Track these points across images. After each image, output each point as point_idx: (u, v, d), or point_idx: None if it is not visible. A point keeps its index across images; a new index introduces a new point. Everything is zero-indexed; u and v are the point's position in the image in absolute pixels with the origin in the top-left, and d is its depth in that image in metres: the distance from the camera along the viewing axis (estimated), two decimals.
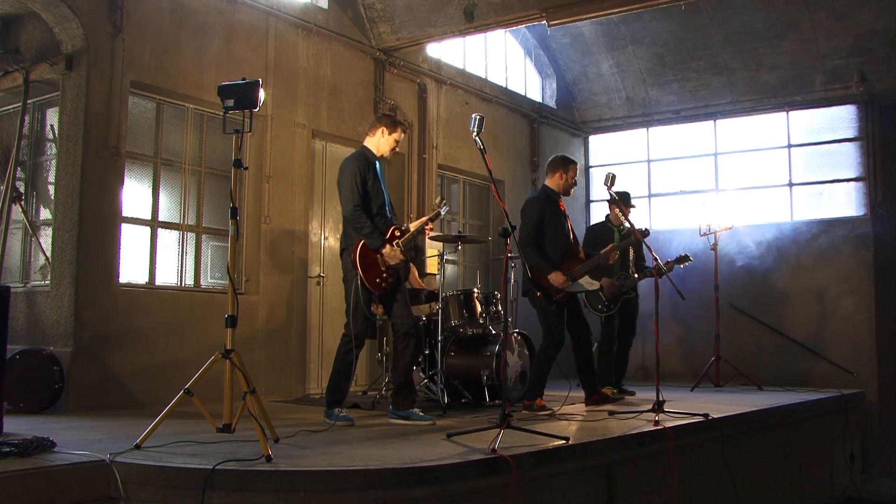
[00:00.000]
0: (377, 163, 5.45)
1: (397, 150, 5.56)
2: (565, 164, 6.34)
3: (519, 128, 10.79)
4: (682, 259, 7.60)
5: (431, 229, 5.58)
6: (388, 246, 5.20)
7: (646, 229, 6.37)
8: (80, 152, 5.94)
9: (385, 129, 5.43)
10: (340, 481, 3.44)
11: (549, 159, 6.53)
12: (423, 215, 5.69)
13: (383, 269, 5.23)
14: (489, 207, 10.45)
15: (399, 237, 5.29)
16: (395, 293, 5.33)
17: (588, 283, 6.17)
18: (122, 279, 6.23)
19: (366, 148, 5.47)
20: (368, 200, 5.29)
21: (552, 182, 6.34)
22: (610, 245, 6.70)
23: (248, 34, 7.21)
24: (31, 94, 6.39)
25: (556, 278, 5.98)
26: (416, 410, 5.24)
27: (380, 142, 5.45)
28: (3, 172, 6.49)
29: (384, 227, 5.30)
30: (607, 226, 7.84)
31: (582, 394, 6.66)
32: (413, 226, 5.43)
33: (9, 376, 4.91)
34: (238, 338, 4.20)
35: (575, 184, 6.45)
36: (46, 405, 5.56)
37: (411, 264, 7.34)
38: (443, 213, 5.58)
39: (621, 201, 6.66)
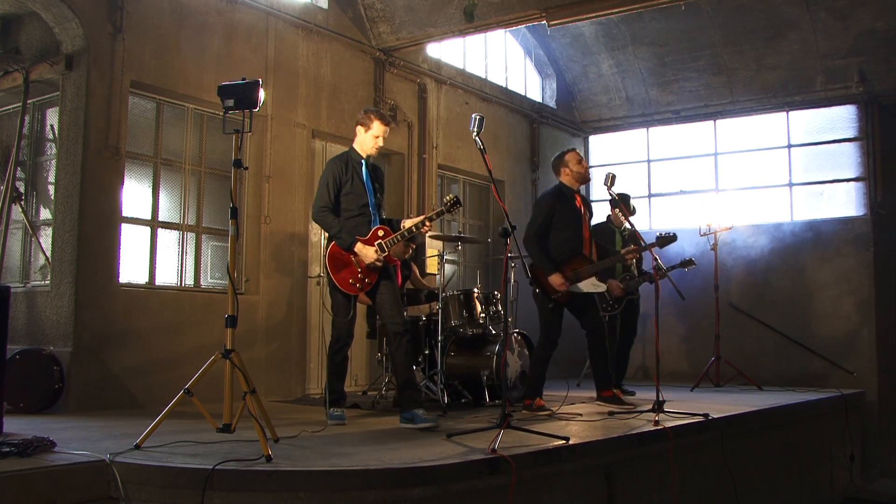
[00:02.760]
0: (364, 162, 5.32)
1: (381, 145, 5.34)
2: (562, 157, 6.32)
3: (519, 128, 10.79)
4: (686, 263, 7.60)
5: (429, 228, 5.25)
6: (359, 244, 5.07)
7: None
8: (80, 152, 5.94)
9: (361, 127, 5.31)
10: (340, 481, 3.44)
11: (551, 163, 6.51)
12: (423, 215, 5.43)
13: (359, 269, 5.11)
14: (489, 207, 10.44)
15: (382, 237, 5.14)
16: (377, 293, 5.17)
17: (594, 284, 6.03)
18: (122, 279, 6.23)
19: (352, 149, 5.38)
20: (344, 201, 5.17)
21: (564, 178, 6.27)
22: (632, 246, 6.65)
23: (248, 34, 7.21)
24: (31, 94, 6.39)
25: (554, 280, 5.91)
26: (419, 412, 4.98)
27: (362, 141, 5.32)
28: (3, 172, 6.49)
29: (365, 228, 5.17)
30: (609, 227, 7.84)
31: (581, 393, 6.67)
32: (407, 223, 5.19)
33: (9, 376, 4.91)
34: (238, 338, 4.20)
35: (584, 169, 6.32)
36: (46, 405, 5.55)
37: (413, 264, 7.35)
38: (445, 213, 5.17)
39: (621, 202, 6.66)
